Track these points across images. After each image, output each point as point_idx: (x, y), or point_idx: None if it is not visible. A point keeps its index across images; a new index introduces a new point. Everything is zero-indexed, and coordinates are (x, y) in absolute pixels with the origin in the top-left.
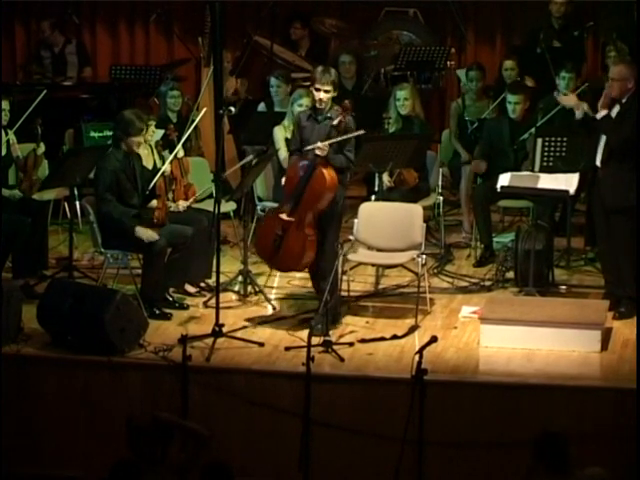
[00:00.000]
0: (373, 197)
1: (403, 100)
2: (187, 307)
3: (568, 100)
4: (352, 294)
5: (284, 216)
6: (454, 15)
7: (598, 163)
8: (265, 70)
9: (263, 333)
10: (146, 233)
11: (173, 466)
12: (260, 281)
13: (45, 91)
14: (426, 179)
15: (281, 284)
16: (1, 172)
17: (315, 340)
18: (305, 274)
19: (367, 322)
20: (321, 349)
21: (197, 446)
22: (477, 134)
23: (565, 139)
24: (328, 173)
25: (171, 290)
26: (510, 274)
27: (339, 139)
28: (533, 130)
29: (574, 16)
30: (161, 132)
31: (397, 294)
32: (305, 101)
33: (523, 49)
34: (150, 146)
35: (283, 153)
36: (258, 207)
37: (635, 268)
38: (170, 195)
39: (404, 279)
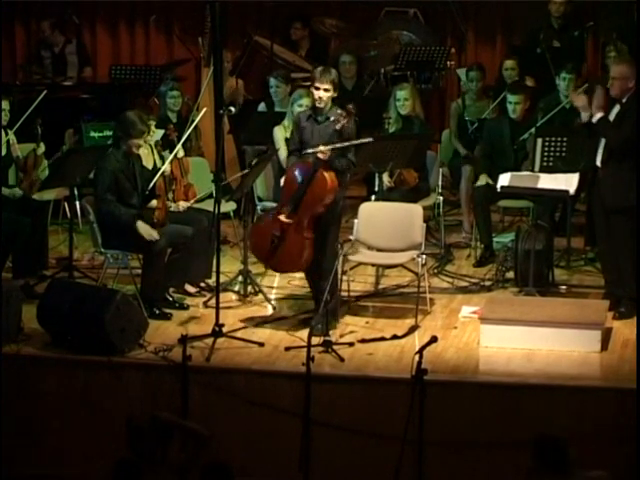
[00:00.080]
0: (373, 197)
1: (403, 100)
2: (187, 307)
3: (579, 100)
4: (352, 294)
5: (283, 218)
6: (454, 15)
7: (598, 163)
8: (265, 70)
9: (263, 333)
10: (146, 230)
11: (173, 466)
12: (260, 281)
13: (45, 91)
14: (426, 179)
15: (281, 284)
16: (1, 172)
17: (315, 340)
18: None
19: (367, 322)
20: (321, 349)
21: (197, 446)
22: (477, 134)
23: (565, 139)
24: (329, 176)
25: (171, 290)
26: (510, 274)
27: (343, 145)
28: (533, 130)
29: (574, 16)
30: (161, 132)
31: (397, 294)
32: (305, 101)
33: (523, 49)
34: (150, 146)
35: (283, 153)
36: (258, 207)
37: (635, 268)
38: (170, 195)
39: (404, 279)
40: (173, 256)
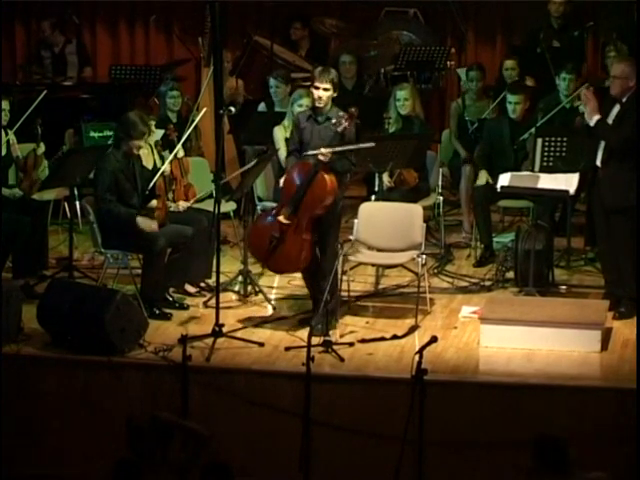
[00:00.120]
0: (373, 197)
1: (403, 100)
2: (187, 307)
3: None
4: (352, 294)
5: (282, 219)
6: (454, 15)
7: (598, 163)
8: (265, 70)
9: (263, 333)
10: (147, 223)
11: (173, 466)
12: (260, 281)
13: (45, 91)
14: (426, 179)
15: (281, 284)
16: (1, 172)
17: (315, 340)
18: None
19: (367, 322)
20: (321, 349)
21: (197, 446)
22: (477, 134)
23: (565, 139)
24: (329, 179)
25: (171, 290)
26: (510, 274)
27: (344, 148)
28: (533, 130)
29: (573, 16)
30: (161, 132)
31: (397, 294)
32: (305, 101)
33: (523, 49)
34: (150, 146)
35: (283, 153)
36: (258, 207)
37: (635, 268)
38: (170, 195)
39: (404, 279)
40: (173, 256)
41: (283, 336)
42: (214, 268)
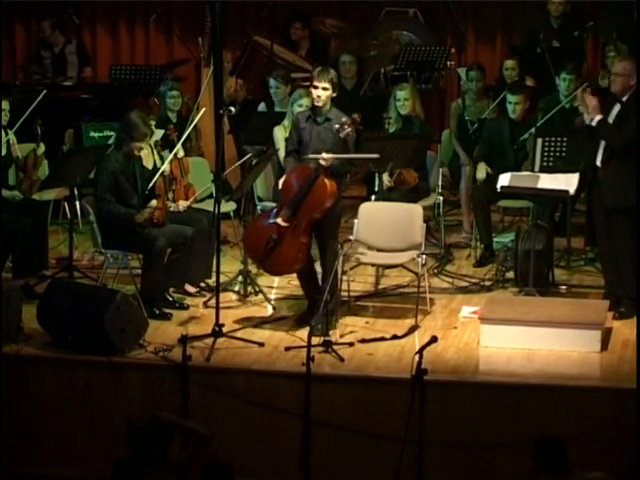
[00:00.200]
0: (373, 197)
1: (403, 100)
2: (187, 307)
3: (590, 101)
4: (352, 294)
5: (281, 221)
6: (454, 15)
7: (598, 163)
8: (265, 70)
9: (263, 333)
10: (145, 213)
11: (173, 466)
12: (260, 281)
13: (45, 91)
14: (426, 179)
15: (281, 284)
16: (1, 172)
17: (315, 340)
18: None
19: (367, 322)
20: (321, 349)
21: (197, 446)
22: (477, 134)
23: (565, 139)
24: (329, 183)
25: (171, 290)
26: (510, 274)
27: (349, 157)
28: (533, 130)
29: (573, 16)
30: (161, 132)
31: (397, 294)
32: (305, 101)
33: (523, 49)
34: (150, 146)
35: (283, 153)
36: (258, 207)
37: (635, 268)
38: (170, 195)
39: (404, 279)
40: (173, 256)
41: (283, 336)
42: (214, 268)
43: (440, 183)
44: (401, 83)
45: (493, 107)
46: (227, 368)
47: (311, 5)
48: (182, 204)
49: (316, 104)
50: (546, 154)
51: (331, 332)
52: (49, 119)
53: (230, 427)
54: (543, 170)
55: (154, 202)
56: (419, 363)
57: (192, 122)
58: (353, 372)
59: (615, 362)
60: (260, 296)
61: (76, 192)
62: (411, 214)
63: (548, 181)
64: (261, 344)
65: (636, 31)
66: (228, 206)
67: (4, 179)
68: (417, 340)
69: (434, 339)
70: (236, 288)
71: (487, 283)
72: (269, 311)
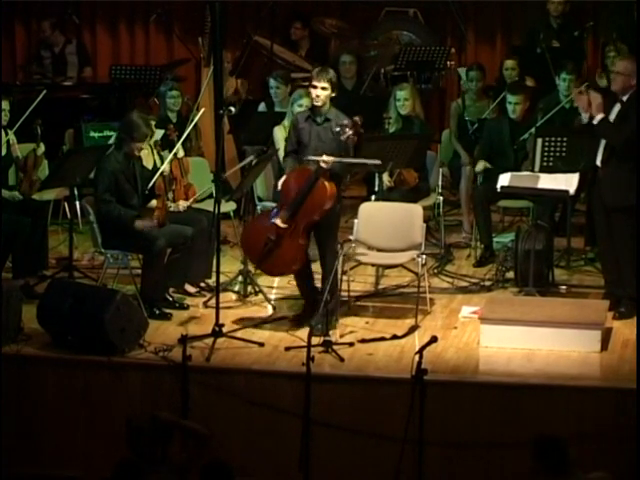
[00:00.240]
0: (373, 197)
1: (403, 100)
2: (187, 307)
3: (581, 101)
4: (352, 294)
5: (280, 222)
6: (454, 15)
7: (598, 163)
8: (265, 70)
9: (263, 333)
10: (144, 222)
11: (173, 466)
12: (260, 281)
13: (45, 91)
14: (426, 179)
15: (281, 284)
16: (1, 172)
17: (315, 340)
18: None
19: (367, 322)
20: (321, 349)
21: (197, 446)
22: (477, 134)
23: (565, 139)
24: (329, 186)
25: (171, 290)
26: (510, 274)
27: (350, 161)
28: (533, 130)
29: (573, 16)
30: (161, 132)
31: (397, 294)
32: (305, 101)
33: (523, 49)
34: (150, 146)
35: (283, 153)
36: (258, 207)
37: (635, 268)
38: (170, 195)
39: (404, 279)
40: (173, 256)
41: (283, 336)
42: (214, 268)
43: (440, 183)
44: (401, 83)
45: (493, 107)
46: (227, 368)
47: (311, 5)
48: (182, 204)
49: (315, 104)
50: (546, 154)
51: (331, 332)
52: (49, 119)
53: (230, 427)
54: (543, 170)
55: (154, 202)
56: (419, 363)
57: (192, 122)
58: (353, 372)
59: (615, 362)
60: (260, 296)
61: (76, 192)
62: (411, 214)
63: (548, 181)
64: (261, 344)
65: (636, 31)
66: (228, 206)
67: (4, 179)
68: (417, 340)
69: (434, 339)
70: (236, 288)
71: (487, 283)
72: (269, 311)
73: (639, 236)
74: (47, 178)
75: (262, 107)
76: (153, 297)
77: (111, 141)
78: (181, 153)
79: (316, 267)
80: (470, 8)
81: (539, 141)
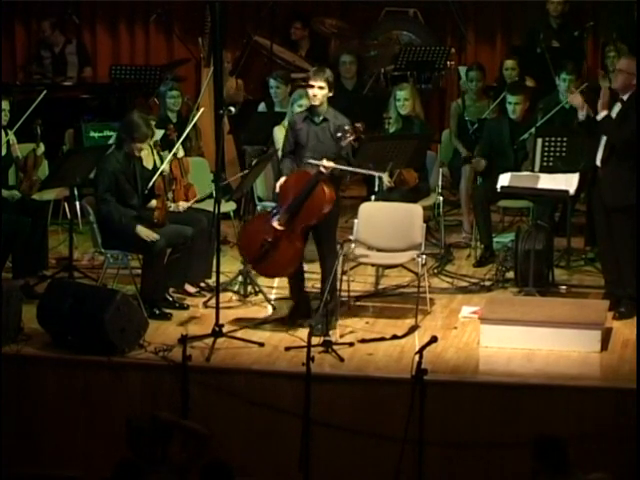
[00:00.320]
0: (373, 197)
1: (403, 100)
2: (187, 307)
3: (575, 99)
4: (352, 294)
5: (277, 225)
6: (454, 15)
7: (598, 163)
8: (265, 70)
9: (263, 333)
10: (147, 233)
11: (173, 466)
12: (260, 281)
13: (45, 91)
14: (426, 179)
15: (281, 284)
16: (1, 172)
17: (315, 340)
18: (307, 275)
19: (367, 322)
20: (321, 349)
21: (197, 446)
22: (477, 134)
23: (565, 139)
24: (328, 190)
25: (171, 290)
26: (510, 274)
27: (351, 170)
28: (533, 130)
29: (573, 16)
30: (161, 132)
31: (397, 294)
32: (305, 101)
33: (523, 49)
34: (150, 146)
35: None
36: (258, 207)
37: (635, 268)
38: (170, 195)
39: (404, 279)
40: (173, 256)
41: (283, 336)
42: (214, 268)
43: (440, 183)
44: (401, 83)
45: (493, 107)
46: (227, 368)
47: (311, 5)
48: (182, 205)
49: (313, 103)
50: (546, 154)
51: (331, 332)
52: (49, 119)
53: (230, 427)
54: (543, 170)
55: (154, 202)
56: (419, 363)
57: (191, 122)
58: (353, 372)
59: (615, 362)
60: (260, 296)
61: (76, 192)
62: (411, 214)
63: (548, 181)
64: (261, 344)
65: (636, 31)
66: (228, 206)
67: (4, 179)
68: (417, 340)
69: (434, 339)
70: (236, 288)
71: (487, 283)
72: (269, 311)
73: (639, 236)
74: (47, 178)
75: (262, 107)
76: (153, 297)
77: (111, 141)
78: (181, 153)
79: (316, 267)
80: (470, 8)
81: (539, 141)
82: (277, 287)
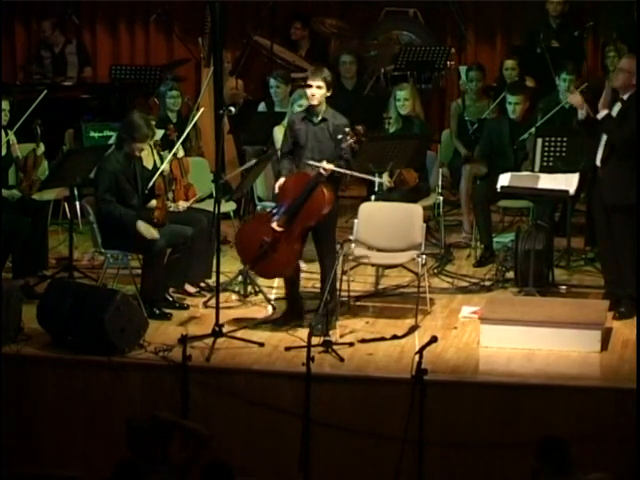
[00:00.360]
0: (373, 197)
1: (403, 100)
2: (187, 307)
3: (574, 99)
4: (352, 294)
5: (276, 226)
6: (454, 15)
7: (598, 162)
8: (265, 70)
9: (263, 333)
10: (147, 229)
11: (173, 466)
12: (260, 281)
13: (45, 91)
14: (426, 179)
15: (281, 284)
16: (1, 172)
17: (315, 340)
18: (306, 274)
19: (367, 322)
20: (321, 349)
21: (197, 446)
22: (477, 134)
23: (565, 139)
24: (328, 192)
25: (171, 290)
26: (510, 274)
27: (351, 173)
28: (533, 130)
29: (572, 16)
30: (161, 132)
31: (397, 294)
32: (305, 101)
33: (523, 49)
34: (150, 146)
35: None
36: (258, 207)
37: (635, 268)
38: (170, 195)
39: (404, 279)
40: (173, 256)
41: (283, 336)
42: (214, 268)
43: (440, 183)
44: (401, 83)
45: (493, 107)
46: (227, 368)
47: (311, 5)
48: (182, 205)
49: (311, 103)
50: (546, 154)
51: (331, 332)
52: (49, 119)
53: (230, 427)
54: (543, 170)
55: (154, 202)
56: (419, 363)
57: (191, 122)
58: (353, 372)
59: (615, 362)
60: (260, 296)
61: (76, 192)
62: (411, 214)
63: (548, 181)
64: (261, 344)
65: (636, 31)
66: (228, 206)
67: (4, 179)
68: (417, 340)
69: (434, 339)
70: (236, 288)
71: (487, 283)
72: (269, 311)
73: (639, 236)
74: (47, 178)
75: (262, 107)
76: (153, 297)
77: (111, 141)
78: (181, 153)
79: (316, 267)
80: (470, 8)
81: (539, 141)
82: (277, 287)
